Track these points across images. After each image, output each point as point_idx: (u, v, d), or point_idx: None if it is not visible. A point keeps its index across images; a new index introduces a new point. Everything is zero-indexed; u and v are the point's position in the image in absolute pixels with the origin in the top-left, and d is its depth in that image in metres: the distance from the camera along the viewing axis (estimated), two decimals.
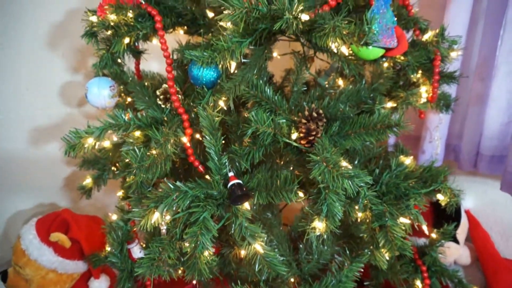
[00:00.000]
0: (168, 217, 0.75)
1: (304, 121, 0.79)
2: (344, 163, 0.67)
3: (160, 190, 0.74)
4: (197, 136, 0.90)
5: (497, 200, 1.26)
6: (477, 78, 1.12)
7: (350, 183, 0.63)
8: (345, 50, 0.65)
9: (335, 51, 0.63)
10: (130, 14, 0.80)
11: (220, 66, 0.71)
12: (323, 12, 0.68)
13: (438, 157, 1.12)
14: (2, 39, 1.20)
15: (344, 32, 0.60)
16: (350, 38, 0.63)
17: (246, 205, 0.78)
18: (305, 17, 0.59)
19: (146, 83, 1.09)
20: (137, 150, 0.73)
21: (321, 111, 0.81)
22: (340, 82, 1.00)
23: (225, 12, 0.64)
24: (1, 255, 1.32)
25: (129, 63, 1.06)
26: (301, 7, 0.59)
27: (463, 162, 1.17)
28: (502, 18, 1.04)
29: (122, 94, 1.06)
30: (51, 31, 1.25)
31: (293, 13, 0.58)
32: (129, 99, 1.07)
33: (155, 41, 0.97)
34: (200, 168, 0.85)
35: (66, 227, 1.07)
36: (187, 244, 0.71)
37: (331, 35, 0.60)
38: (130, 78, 1.07)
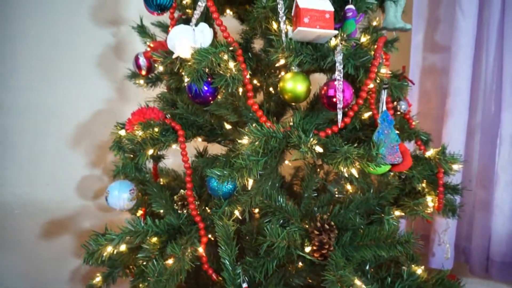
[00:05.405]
0: None
1: (316, 232, 0.82)
2: (358, 283, 0.68)
3: None
4: (210, 236, 0.92)
5: None
6: (480, 185, 1.17)
7: None
8: (355, 172, 0.70)
9: (346, 175, 0.68)
10: (156, 129, 0.88)
11: (238, 183, 0.76)
12: (333, 137, 0.75)
13: (448, 263, 1.12)
14: (31, 139, 1.29)
15: (355, 160, 0.66)
16: (360, 162, 0.69)
17: None
18: (319, 149, 0.65)
19: (161, 182, 1.15)
20: (155, 263, 0.75)
21: (332, 223, 0.84)
22: (349, 187, 1.05)
23: (245, 139, 0.71)
24: None
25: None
26: (315, 141, 0.65)
27: (474, 267, 1.17)
28: (497, 131, 1.13)
29: (140, 194, 1.10)
30: (76, 131, 1.35)
31: (308, 145, 0.65)
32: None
33: (174, 146, 1.04)
34: (214, 276, 0.86)
35: None
36: None
37: (342, 164, 0.66)
38: (148, 178, 1.12)
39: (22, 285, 1.34)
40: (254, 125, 0.70)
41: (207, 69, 0.77)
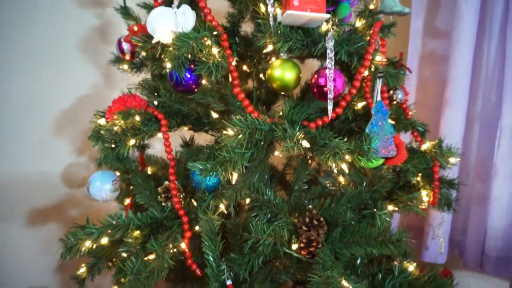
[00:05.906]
0: None
1: (304, 228, 0.79)
2: (345, 284, 0.65)
3: None
4: (196, 228, 0.88)
5: None
6: (477, 178, 1.13)
7: None
8: (345, 167, 0.66)
9: (335, 171, 0.64)
10: (137, 118, 0.83)
11: (222, 177, 0.72)
12: (324, 128, 0.70)
13: (442, 258, 1.10)
14: (14, 127, 1.24)
15: (344, 155, 0.62)
16: (350, 157, 0.65)
17: None
18: (306, 144, 0.61)
19: (149, 171, 1.11)
20: (134, 260, 0.72)
21: (321, 219, 0.80)
22: (341, 179, 1.01)
23: (229, 131, 0.66)
24: None
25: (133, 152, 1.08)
26: (301, 135, 0.61)
27: (469, 261, 1.14)
28: (497, 122, 1.08)
29: (124, 184, 1.06)
30: (61, 118, 1.30)
31: (294, 139, 0.60)
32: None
33: (159, 135, 1.00)
34: (198, 272, 0.83)
35: None
36: None
37: (331, 159, 0.61)
38: (133, 167, 1.08)
39: (9, 275, 1.31)
40: (237, 116, 0.66)
41: (189, 55, 0.72)
